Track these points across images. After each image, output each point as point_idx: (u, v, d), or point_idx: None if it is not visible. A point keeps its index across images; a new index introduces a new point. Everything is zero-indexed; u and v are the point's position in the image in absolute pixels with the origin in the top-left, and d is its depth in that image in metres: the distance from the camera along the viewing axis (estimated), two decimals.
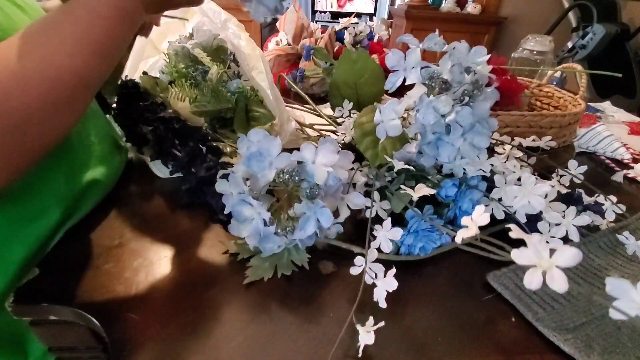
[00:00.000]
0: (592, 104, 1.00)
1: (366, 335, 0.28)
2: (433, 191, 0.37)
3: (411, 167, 0.38)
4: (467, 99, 0.36)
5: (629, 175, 0.61)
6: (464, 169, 0.39)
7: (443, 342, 0.30)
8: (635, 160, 0.67)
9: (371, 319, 0.29)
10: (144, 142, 0.52)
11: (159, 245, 0.40)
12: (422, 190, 0.37)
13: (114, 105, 0.55)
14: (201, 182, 0.45)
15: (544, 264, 0.22)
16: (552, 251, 0.22)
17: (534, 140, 0.55)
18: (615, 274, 0.38)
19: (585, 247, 0.40)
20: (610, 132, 0.71)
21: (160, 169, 0.52)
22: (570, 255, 0.21)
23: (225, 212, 0.36)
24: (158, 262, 0.37)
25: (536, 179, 0.38)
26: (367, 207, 0.38)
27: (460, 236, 0.28)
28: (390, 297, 0.32)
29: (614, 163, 0.67)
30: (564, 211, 0.38)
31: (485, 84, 0.37)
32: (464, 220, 0.29)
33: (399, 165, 0.37)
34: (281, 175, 0.33)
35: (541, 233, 0.38)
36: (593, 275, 0.37)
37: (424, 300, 0.34)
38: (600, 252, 0.40)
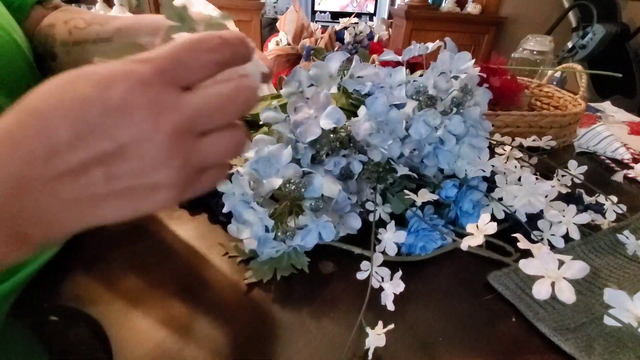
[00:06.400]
0: (592, 104, 1.00)
1: (376, 337, 0.28)
2: (436, 197, 0.37)
3: (414, 174, 0.38)
4: (455, 109, 0.36)
5: (629, 175, 0.61)
6: (465, 170, 0.40)
7: (444, 342, 0.30)
8: (635, 160, 0.67)
9: (380, 323, 0.29)
10: None
11: (158, 246, 0.40)
12: (426, 196, 0.37)
13: None
14: None
15: (552, 275, 0.23)
16: (560, 262, 0.23)
17: (534, 140, 0.55)
18: (615, 274, 0.38)
19: (586, 246, 0.40)
20: (610, 132, 0.71)
21: None
22: (578, 268, 0.22)
23: (224, 210, 0.36)
24: (158, 262, 0.37)
25: (537, 178, 0.38)
26: (370, 211, 0.39)
27: (467, 244, 0.28)
28: None
29: (614, 163, 0.67)
30: (564, 210, 0.38)
31: (475, 85, 0.37)
32: (470, 227, 0.29)
33: (402, 170, 0.37)
34: (287, 185, 0.33)
35: (542, 231, 0.38)
36: (593, 275, 0.37)
37: (424, 300, 0.34)
38: (600, 252, 0.40)
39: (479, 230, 0.28)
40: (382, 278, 0.32)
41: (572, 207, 0.37)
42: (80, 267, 0.36)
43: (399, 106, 0.38)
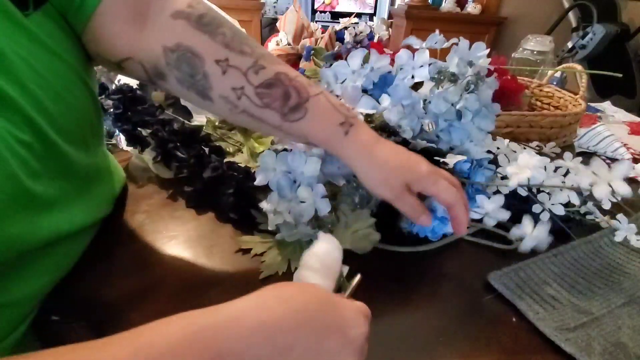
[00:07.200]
0: (592, 104, 1.00)
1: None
2: (464, 157, 0.40)
3: (432, 145, 0.41)
4: (472, 87, 0.40)
5: (629, 175, 0.61)
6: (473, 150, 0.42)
7: (445, 342, 0.30)
8: (635, 160, 0.67)
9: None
10: (144, 144, 0.52)
11: (161, 245, 0.40)
12: (455, 159, 0.39)
13: (111, 109, 0.55)
14: (208, 183, 0.45)
15: (605, 177, 0.33)
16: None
17: (537, 146, 0.55)
18: (616, 273, 0.38)
19: (586, 246, 0.40)
20: (610, 132, 0.71)
21: (163, 170, 0.52)
22: (625, 168, 0.35)
23: (257, 183, 0.38)
24: (161, 262, 0.37)
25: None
26: None
27: (516, 180, 0.34)
28: (392, 296, 0.32)
29: (614, 163, 0.67)
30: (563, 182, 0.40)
31: (485, 74, 0.41)
32: (510, 169, 0.33)
33: (420, 144, 0.40)
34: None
35: (542, 203, 0.40)
36: (593, 275, 0.37)
37: (425, 300, 0.34)
38: (600, 252, 0.40)
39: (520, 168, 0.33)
40: None
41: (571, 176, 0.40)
42: (81, 267, 0.36)
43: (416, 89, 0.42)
